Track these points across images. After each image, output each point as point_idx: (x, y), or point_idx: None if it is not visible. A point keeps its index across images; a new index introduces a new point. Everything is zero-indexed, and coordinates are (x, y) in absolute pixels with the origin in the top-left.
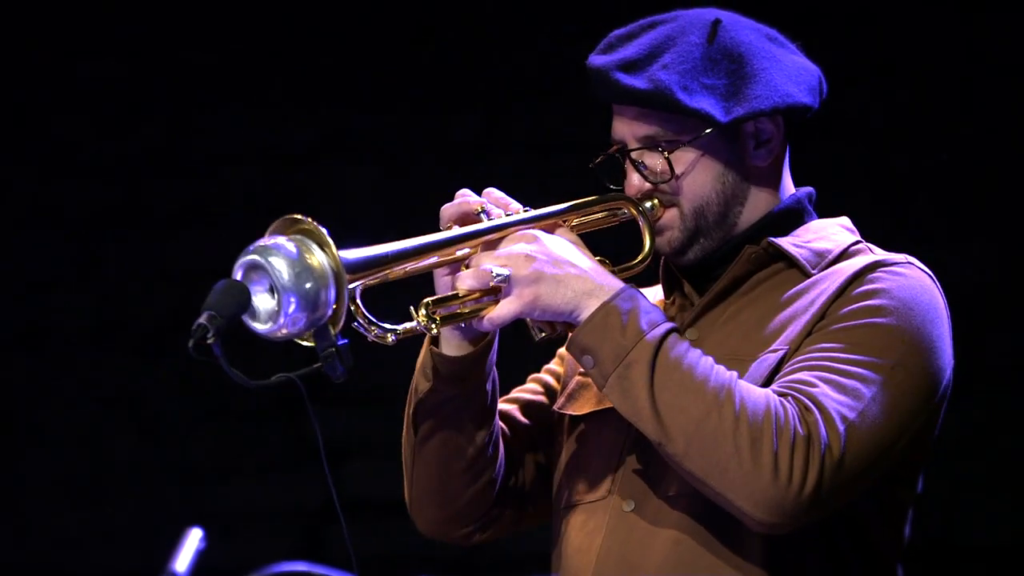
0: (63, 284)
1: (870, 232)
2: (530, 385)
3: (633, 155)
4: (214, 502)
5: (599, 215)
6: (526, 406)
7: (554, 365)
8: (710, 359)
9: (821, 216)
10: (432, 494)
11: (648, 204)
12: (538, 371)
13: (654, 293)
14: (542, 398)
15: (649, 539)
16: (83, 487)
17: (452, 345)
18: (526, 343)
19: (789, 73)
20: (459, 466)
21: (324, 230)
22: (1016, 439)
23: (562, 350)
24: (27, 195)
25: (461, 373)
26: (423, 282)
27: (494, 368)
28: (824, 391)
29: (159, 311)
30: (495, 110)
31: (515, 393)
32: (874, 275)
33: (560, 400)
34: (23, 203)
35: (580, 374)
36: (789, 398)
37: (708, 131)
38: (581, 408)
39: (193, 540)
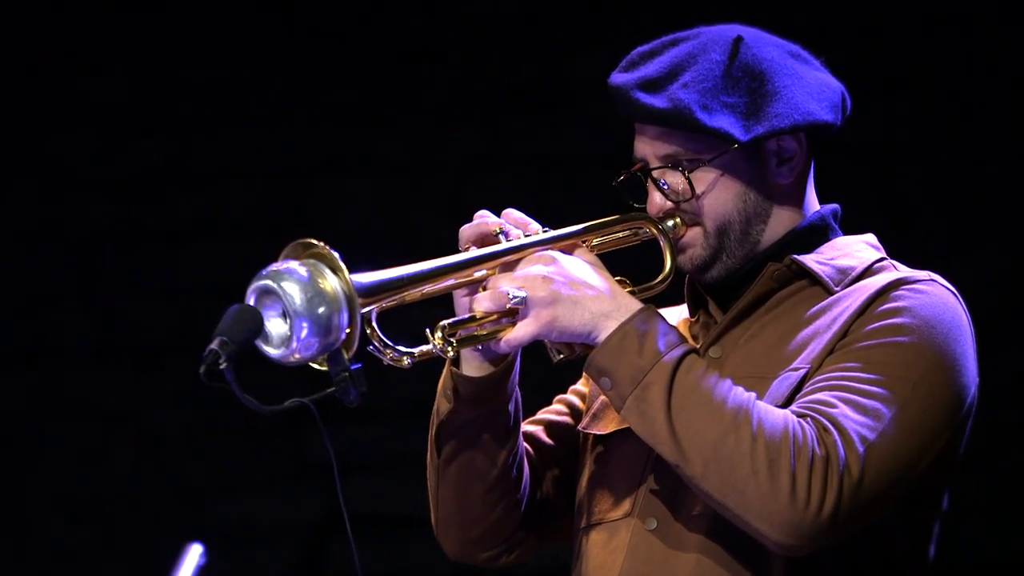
0: (64, 300)
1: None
2: (556, 406)
3: (655, 174)
4: (214, 518)
5: (620, 234)
6: (551, 427)
7: (580, 386)
8: (728, 380)
9: (847, 233)
10: (457, 516)
11: (670, 223)
12: (564, 392)
13: (680, 312)
14: (567, 419)
15: (671, 559)
16: (84, 503)
17: (473, 366)
18: (550, 364)
19: (811, 90)
20: (483, 487)
21: (337, 254)
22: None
23: None
24: (29, 211)
25: (483, 394)
26: (444, 302)
27: (517, 389)
28: (844, 411)
29: (161, 327)
30: (498, 124)
31: (541, 414)
32: (897, 292)
33: (585, 420)
34: (25, 219)
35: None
36: (808, 419)
37: (729, 150)
38: (605, 427)
39: (193, 556)
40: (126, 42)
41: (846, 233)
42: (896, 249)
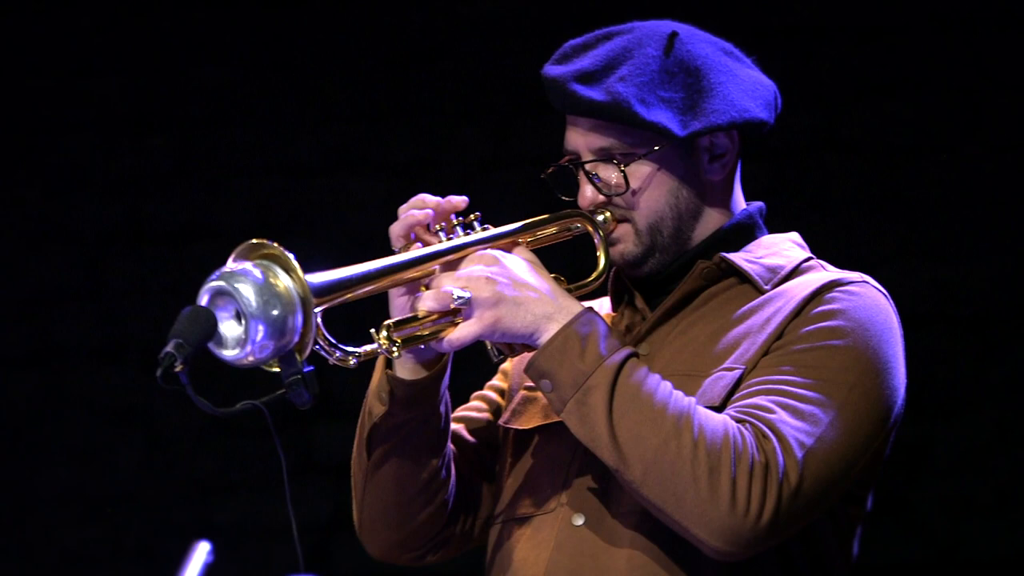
0: (71, 300)
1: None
2: (474, 403)
3: (587, 167)
4: (222, 516)
5: (553, 230)
6: (472, 424)
7: (497, 381)
8: (668, 384)
9: (771, 231)
10: (385, 518)
11: (601, 218)
12: (482, 388)
13: (599, 305)
14: (487, 415)
15: (601, 555)
16: (91, 502)
17: (407, 369)
18: (471, 361)
19: (746, 88)
20: (413, 490)
21: (291, 255)
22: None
23: (505, 365)
24: (35, 211)
25: (417, 397)
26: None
27: (447, 392)
28: (782, 417)
29: (168, 326)
30: (504, 124)
31: (460, 412)
32: (831, 295)
33: (505, 415)
34: (31, 219)
35: (526, 388)
36: (747, 424)
37: (664, 144)
38: (528, 423)
39: (201, 554)
40: (133, 41)
41: (771, 230)
42: (901, 250)
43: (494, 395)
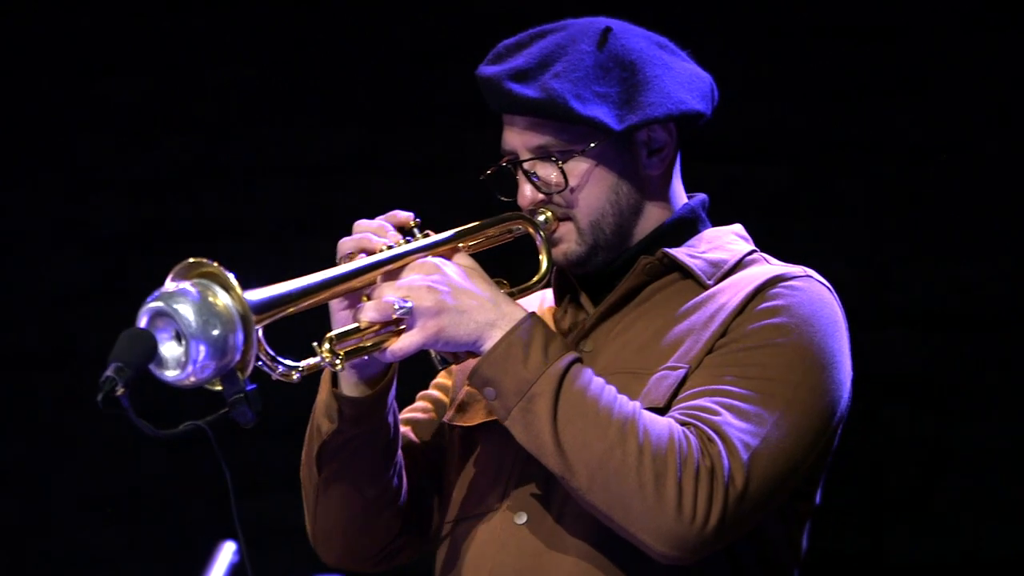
0: (93, 300)
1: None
2: (419, 403)
3: (526, 166)
4: (247, 516)
5: (494, 233)
6: (418, 427)
7: (441, 379)
8: (613, 388)
9: (715, 223)
10: (339, 530)
11: (542, 218)
12: (427, 387)
13: (541, 297)
14: (433, 416)
15: (545, 554)
16: (115, 502)
17: (352, 385)
18: (417, 364)
19: (682, 80)
20: (366, 501)
21: (229, 274)
22: None
23: None
24: (57, 212)
25: (365, 412)
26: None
27: (394, 402)
28: (726, 419)
29: None
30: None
31: (405, 414)
32: (774, 290)
33: (449, 412)
34: (53, 220)
35: (469, 384)
36: (692, 428)
37: (602, 140)
38: (471, 419)
39: (226, 554)
40: (156, 41)
41: (714, 223)
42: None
43: (438, 393)
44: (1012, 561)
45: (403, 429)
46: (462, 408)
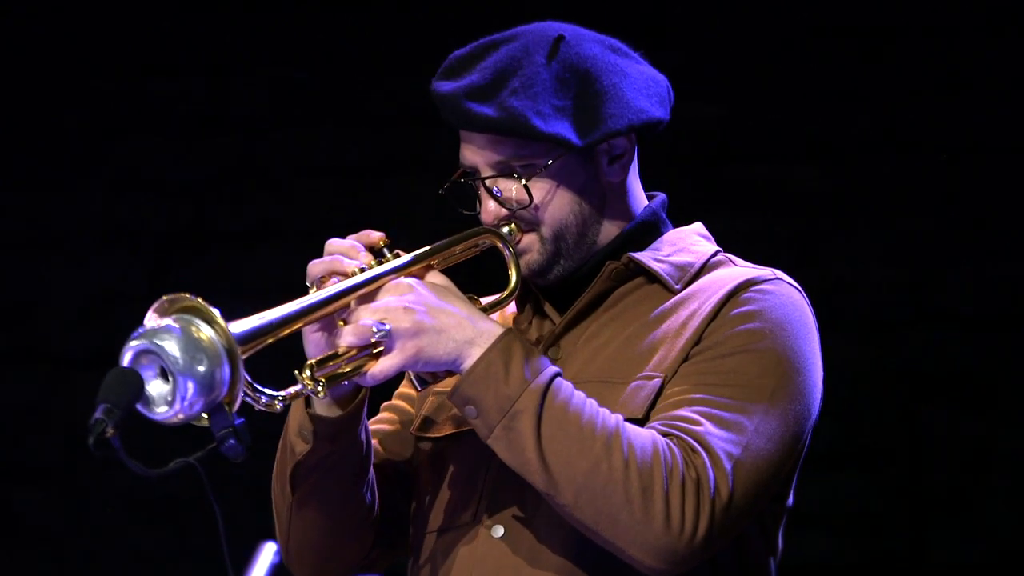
0: (135, 301)
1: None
2: (384, 415)
3: (488, 182)
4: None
5: (462, 249)
6: (385, 438)
7: (405, 388)
8: (594, 402)
9: (674, 222)
10: (312, 548)
11: (505, 230)
12: (390, 399)
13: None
14: (399, 427)
15: (525, 569)
16: (157, 503)
17: (325, 405)
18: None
19: (639, 87)
20: (340, 519)
21: (214, 309)
22: None
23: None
24: (99, 213)
25: (338, 431)
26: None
27: (366, 418)
28: (708, 429)
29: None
30: None
31: (371, 426)
32: (746, 295)
33: (416, 423)
34: (95, 221)
35: (434, 394)
36: (674, 439)
37: (563, 155)
38: (440, 430)
39: (268, 555)
40: (196, 43)
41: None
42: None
43: (402, 403)
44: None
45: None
46: (430, 419)
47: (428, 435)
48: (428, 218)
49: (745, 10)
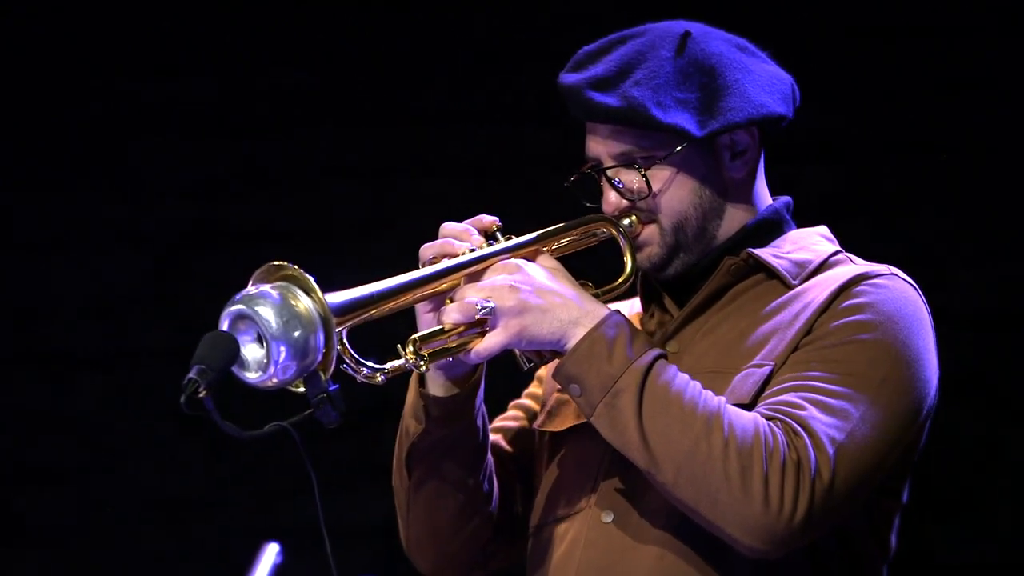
0: (141, 302)
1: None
2: (511, 412)
3: (609, 172)
4: (291, 517)
5: (578, 237)
6: (510, 434)
7: (533, 388)
8: (698, 384)
9: (800, 225)
10: (431, 535)
11: (626, 221)
12: (519, 397)
13: (631, 305)
14: (524, 423)
15: (631, 551)
16: (160, 505)
17: (439, 385)
18: (507, 371)
19: (762, 83)
20: (457, 505)
21: (310, 276)
22: None
23: (541, 371)
24: (106, 214)
25: (452, 413)
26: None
27: (483, 405)
28: (812, 413)
29: None
30: (573, 126)
31: (497, 422)
32: (859, 288)
33: (540, 418)
34: (102, 222)
35: (559, 391)
36: (777, 422)
37: (683, 146)
38: (561, 424)
39: (270, 555)
40: (204, 46)
41: (799, 225)
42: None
43: (530, 402)
44: None
45: (495, 437)
46: (552, 414)
47: (549, 429)
48: (434, 219)
49: (745, 10)
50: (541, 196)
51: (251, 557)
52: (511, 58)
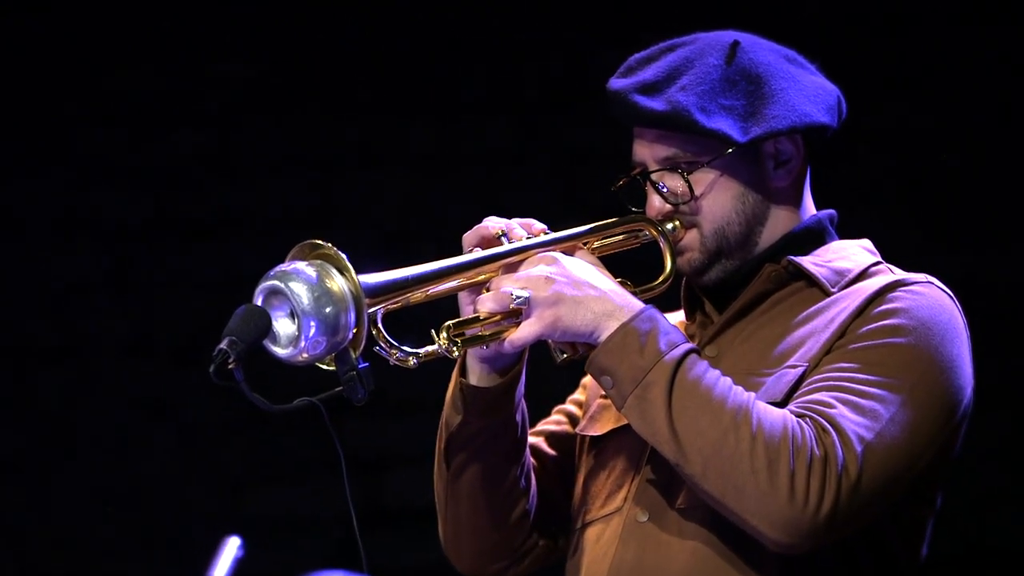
0: (99, 292)
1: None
2: (554, 416)
3: (653, 177)
4: (252, 510)
5: (620, 237)
6: (551, 437)
7: (578, 395)
8: (728, 379)
9: (843, 238)
10: (468, 529)
11: (669, 225)
12: (563, 402)
13: (676, 316)
14: (567, 427)
15: (665, 550)
16: (120, 496)
17: (480, 376)
18: (551, 376)
19: (807, 93)
20: (494, 499)
21: (344, 255)
22: None
23: (585, 379)
24: (63, 204)
25: (491, 404)
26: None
27: (523, 400)
28: (842, 412)
29: (195, 319)
30: (532, 117)
31: (540, 426)
32: (894, 294)
33: (582, 423)
34: (59, 212)
35: (602, 396)
36: (807, 419)
37: (727, 152)
38: (602, 428)
39: (231, 549)
40: (161, 34)
41: (842, 238)
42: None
43: (574, 408)
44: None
45: (536, 440)
46: (594, 418)
47: (590, 433)
48: (392, 211)
49: (746, 10)
50: (495, 188)
51: (213, 548)
52: (463, 49)
